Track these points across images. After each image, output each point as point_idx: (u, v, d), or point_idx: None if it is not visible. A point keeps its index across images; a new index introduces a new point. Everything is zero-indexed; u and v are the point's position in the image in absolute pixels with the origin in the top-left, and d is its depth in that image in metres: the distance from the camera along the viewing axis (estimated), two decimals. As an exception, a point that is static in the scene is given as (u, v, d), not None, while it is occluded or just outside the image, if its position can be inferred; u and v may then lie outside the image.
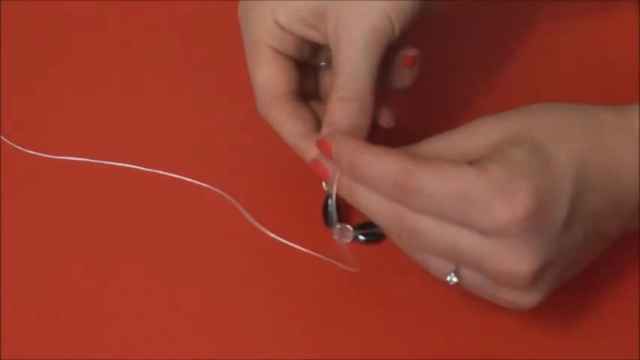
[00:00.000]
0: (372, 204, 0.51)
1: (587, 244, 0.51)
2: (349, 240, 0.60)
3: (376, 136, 0.56)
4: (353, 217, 0.60)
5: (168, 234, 0.63)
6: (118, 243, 0.63)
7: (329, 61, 0.58)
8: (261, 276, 0.61)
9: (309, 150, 0.55)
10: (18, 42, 0.73)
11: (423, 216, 0.50)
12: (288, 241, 0.62)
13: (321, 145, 0.53)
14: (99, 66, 0.71)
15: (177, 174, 0.65)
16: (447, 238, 0.50)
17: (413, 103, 0.66)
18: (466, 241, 0.49)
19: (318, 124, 0.57)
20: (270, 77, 0.57)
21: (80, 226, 0.64)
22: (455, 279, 0.51)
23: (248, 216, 0.63)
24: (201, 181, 0.65)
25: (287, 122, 0.56)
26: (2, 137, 0.68)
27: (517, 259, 0.49)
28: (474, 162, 0.49)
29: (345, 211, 0.59)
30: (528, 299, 0.51)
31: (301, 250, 0.61)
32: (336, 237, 0.59)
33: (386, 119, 0.57)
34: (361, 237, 0.61)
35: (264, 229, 0.62)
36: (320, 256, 0.60)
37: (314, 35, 0.56)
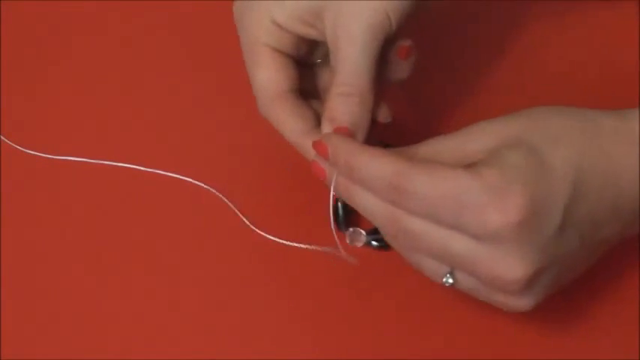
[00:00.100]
0: (369, 204, 0.52)
1: (583, 249, 0.51)
2: (361, 244, 0.60)
3: (374, 131, 0.56)
4: (365, 221, 0.60)
5: (168, 234, 0.63)
6: (117, 243, 0.63)
7: (325, 58, 0.58)
8: (261, 276, 0.61)
9: (311, 148, 0.55)
10: (18, 42, 0.73)
11: (418, 218, 0.50)
12: (288, 241, 0.62)
13: (317, 146, 0.53)
14: (99, 66, 0.71)
15: (176, 174, 0.65)
16: (441, 241, 0.50)
17: (409, 101, 0.66)
18: (460, 244, 0.49)
19: (318, 121, 0.57)
20: (269, 76, 0.57)
21: (80, 226, 0.64)
22: (450, 280, 0.51)
23: (244, 219, 0.63)
24: (201, 182, 0.65)
25: (288, 120, 0.56)
26: (2, 137, 0.68)
27: (510, 265, 0.49)
28: (469, 166, 0.49)
29: (358, 214, 0.59)
30: (522, 303, 0.51)
31: (300, 247, 0.61)
32: (348, 240, 0.60)
33: (384, 115, 0.57)
34: (374, 242, 0.61)
35: (258, 230, 0.62)
36: (320, 248, 0.59)
37: (312, 33, 0.56)
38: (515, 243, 0.48)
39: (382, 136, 0.58)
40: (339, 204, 0.61)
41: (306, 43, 0.58)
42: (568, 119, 0.51)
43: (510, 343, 0.58)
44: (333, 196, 0.54)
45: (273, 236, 0.62)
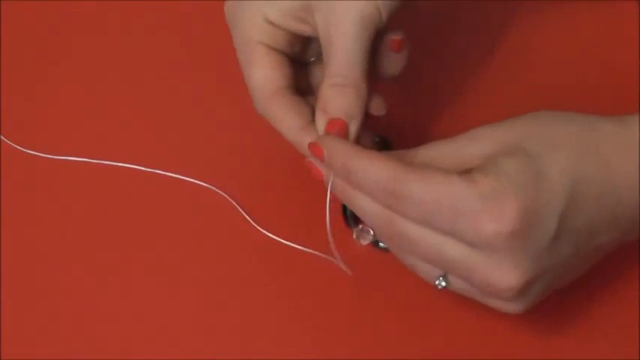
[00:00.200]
0: (365, 206, 0.52)
1: (578, 257, 0.51)
2: (367, 242, 0.61)
3: (368, 124, 0.56)
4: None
5: (168, 234, 0.63)
6: (118, 243, 0.63)
7: (319, 56, 0.58)
8: (261, 276, 0.61)
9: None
10: (18, 42, 0.73)
11: (413, 223, 0.50)
12: (288, 241, 0.62)
13: (312, 148, 0.53)
14: (99, 66, 0.71)
15: (177, 174, 0.65)
16: (436, 247, 0.50)
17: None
18: (454, 251, 0.49)
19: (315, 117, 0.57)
20: (265, 74, 0.57)
21: (80, 226, 0.64)
22: (443, 283, 0.51)
23: (247, 216, 0.63)
24: (202, 181, 0.65)
25: (285, 117, 0.56)
26: (2, 137, 0.68)
27: (504, 273, 0.49)
28: (465, 172, 0.49)
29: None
30: (514, 308, 0.51)
31: (299, 249, 0.61)
32: (355, 237, 0.60)
33: (377, 107, 0.57)
34: (382, 244, 0.61)
35: (263, 230, 0.62)
36: (317, 253, 0.60)
37: (304, 29, 0.56)
38: (508, 252, 0.48)
39: (376, 129, 0.58)
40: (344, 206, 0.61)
41: (299, 40, 0.58)
42: (568, 126, 0.51)
43: (510, 343, 0.58)
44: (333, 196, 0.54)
45: (274, 236, 0.62)
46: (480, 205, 0.48)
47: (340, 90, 0.54)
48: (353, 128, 0.54)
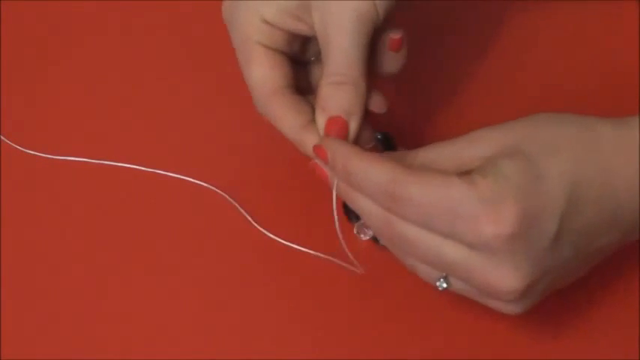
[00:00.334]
0: (366, 208, 0.52)
1: (578, 259, 0.51)
2: (367, 237, 0.61)
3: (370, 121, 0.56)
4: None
5: (169, 234, 0.63)
6: (118, 243, 0.63)
7: (319, 56, 0.58)
8: (261, 276, 0.61)
9: (311, 141, 0.55)
10: (18, 42, 0.73)
11: (412, 225, 0.50)
12: (288, 241, 0.62)
13: (317, 150, 0.53)
14: (99, 66, 0.71)
15: (177, 174, 0.65)
16: (435, 249, 0.50)
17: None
18: (453, 253, 0.49)
19: None
20: (264, 74, 0.57)
21: (80, 226, 0.64)
22: (444, 284, 0.51)
23: (248, 216, 0.63)
24: (202, 181, 0.65)
25: (286, 116, 0.56)
26: (2, 137, 0.68)
27: (504, 276, 0.49)
28: (464, 174, 0.49)
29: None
30: (514, 309, 0.51)
31: (302, 250, 0.61)
32: (355, 231, 0.61)
33: (378, 105, 0.57)
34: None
35: (264, 230, 0.62)
36: (323, 256, 0.60)
37: (302, 28, 0.56)
38: (508, 253, 0.48)
39: (375, 128, 0.58)
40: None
41: (297, 40, 0.58)
42: (567, 128, 0.51)
43: (510, 343, 0.58)
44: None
45: (276, 237, 0.62)
46: (480, 208, 0.48)
47: (339, 88, 0.54)
48: (353, 125, 0.54)
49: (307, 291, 0.61)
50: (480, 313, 0.57)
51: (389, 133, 0.64)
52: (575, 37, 0.71)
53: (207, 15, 0.72)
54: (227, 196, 0.64)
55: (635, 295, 0.59)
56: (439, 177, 0.49)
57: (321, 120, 0.54)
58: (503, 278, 0.49)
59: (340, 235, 0.55)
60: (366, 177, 0.50)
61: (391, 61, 0.57)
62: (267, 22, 0.56)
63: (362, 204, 0.52)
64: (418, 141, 0.64)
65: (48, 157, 0.67)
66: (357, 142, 0.55)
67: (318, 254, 0.60)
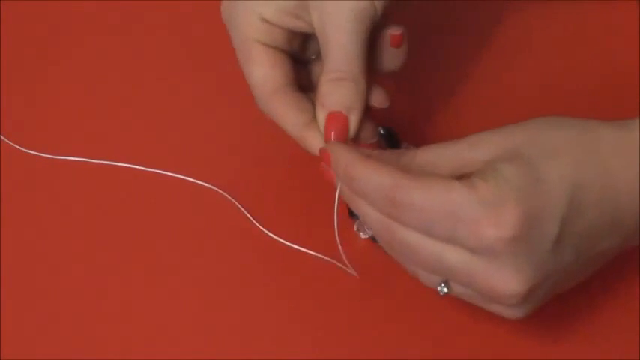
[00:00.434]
0: (368, 212, 0.52)
1: (579, 263, 0.51)
2: (367, 236, 0.61)
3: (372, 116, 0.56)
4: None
5: (169, 234, 0.63)
6: (118, 243, 0.63)
7: (319, 54, 0.58)
8: (262, 276, 0.61)
9: (313, 139, 0.55)
10: (18, 42, 0.73)
11: (413, 231, 0.50)
12: (288, 241, 0.62)
13: (322, 154, 0.53)
14: (99, 66, 0.71)
15: (178, 174, 0.65)
16: (436, 255, 0.50)
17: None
18: (454, 257, 0.49)
19: None
20: (265, 72, 0.57)
21: (80, 226, 0.64)
22: (445, 289, 0.51)
23: (248, 215, 0.63)
24: (203, 181, 0.65)
25: (288, 114, 0.56)
26: (2, 137, 0.68)
27: (506, 279, 0.49)
28: (464, 177, 0.49)
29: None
30: (515, 313, 0.51)
31: (301, 250, 0.61)
32: (356, 228, 0.61)
33: (380, 100, 0.56)
34: None
35: (265, 230, 0.62)
36: (323, 257, 0.60)
37: (300, 25, 0.56)
38: (510, 256, 0.48)
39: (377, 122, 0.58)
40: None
41: (297, 38, 0.58)
42: (568, 132, 0.51)
43: (510, 346, 0.58)
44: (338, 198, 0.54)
45: (276, 236, 0.62)
46: (481, 211, 0.48)
47: (338, 84, 0.54)
48: (353, 120, 0.54)
49: (307, 291, 0.61)
50: (480, 316, 0.57)
51: (392, 129, 0.64)
52: (575, 37, 0.71)
53: (207, 15, 0.72)
54: (228, 196, 0.64)
55: (635, 299, 0.59)
56: (440, 182, 0.49)
57: (322, 116, 0.54)
58: (506, 281, 0.49)
59: (338, 240, 0.55)
60: (367, 182, 0.50)
61: (392, 58, 0.57)
62: (265, 21, 0.56)
63: (364, 210, 0.52)
64: (418, 138, 0.64)
65: (48, 157, 0.67)
66: (359, 137, 0.55)
67: (319, 255, 0.60)
